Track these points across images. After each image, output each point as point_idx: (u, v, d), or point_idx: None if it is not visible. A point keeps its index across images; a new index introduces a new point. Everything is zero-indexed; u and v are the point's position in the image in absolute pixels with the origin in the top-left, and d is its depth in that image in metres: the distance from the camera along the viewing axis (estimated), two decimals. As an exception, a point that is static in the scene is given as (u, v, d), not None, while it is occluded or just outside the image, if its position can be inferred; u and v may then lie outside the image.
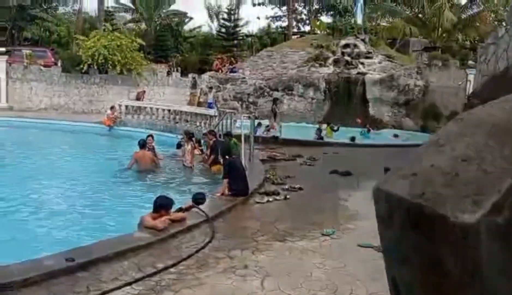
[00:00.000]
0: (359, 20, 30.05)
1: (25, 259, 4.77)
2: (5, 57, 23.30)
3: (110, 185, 9.56)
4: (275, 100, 23.01)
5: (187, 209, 6.78)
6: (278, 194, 8.60)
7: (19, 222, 7.11)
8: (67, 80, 24.36)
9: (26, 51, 26.15)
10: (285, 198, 8.38)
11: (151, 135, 12.16)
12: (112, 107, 19.46)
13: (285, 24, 42.10)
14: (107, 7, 32.46)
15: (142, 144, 11.23)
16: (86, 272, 4.68)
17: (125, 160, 11.70)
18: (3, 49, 24.10)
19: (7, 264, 4.50)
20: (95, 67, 23.80)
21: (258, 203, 7.97)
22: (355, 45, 26.62)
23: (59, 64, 25.46)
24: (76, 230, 6.74)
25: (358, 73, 25.61)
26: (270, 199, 8.16)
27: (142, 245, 5.34)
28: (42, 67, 24.52)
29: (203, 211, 6.63)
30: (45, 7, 34.81)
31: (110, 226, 6.86)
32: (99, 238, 6.07)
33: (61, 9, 37.36)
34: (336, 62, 26.25)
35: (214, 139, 12.10)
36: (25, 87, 23.81)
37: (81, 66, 23.54)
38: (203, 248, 5.49)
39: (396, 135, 20.88)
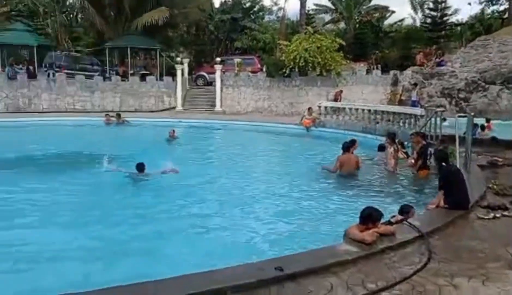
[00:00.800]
0: None
1: (233, 262, 4.85)
2: (221, 66, 26.00)
3: (312, 189, 9.47)
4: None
5: (397, 223, 6.12)
6: (506, 208, 7.17)
7: (227, 223, 7.43)
8: (270, 85, 25.88)
9: (236, 59, 28.80)
10: (517, 214, 6.94)
11: (355, 140, 11.66)
12: (309, 109, 19.81)
13: (503, 7, 36.71)
14: (308, 10, 33.38)
15: (347, 148, 10.87)
16: (293, 283, 4.50)
17: (325, 162, 11.56)
18: (219, 59, 26.98)
19: (220, 268, 4.62)
20: (296, 70, 24.64)
21: (481, 218, 6.75)
22: None
23: (264, 69, 27.25)
24: (280, 236, 6.74)
25: None
26: (497, 215, 6.84)
27: (349, 260, 4.94)
28: (250, 74, 26.61)
29: (416, 227, 5.87)
30: (253, 17, 37.90)
31: (314, 235, 6.65)
32: (303, 247, 5.92)
33: (266, 18, 40.18)
34: None
35: (424, 142, 10.93)
36: (235, 93, 26.17)
37: (284, 70, 24.67)
38: (419, 270, 4.78)
39: None
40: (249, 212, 7.97)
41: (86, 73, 27.46)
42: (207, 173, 11.08)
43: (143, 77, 26.89)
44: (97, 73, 27.76)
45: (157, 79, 26.85)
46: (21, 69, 26.02)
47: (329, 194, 9.21)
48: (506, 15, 34.43)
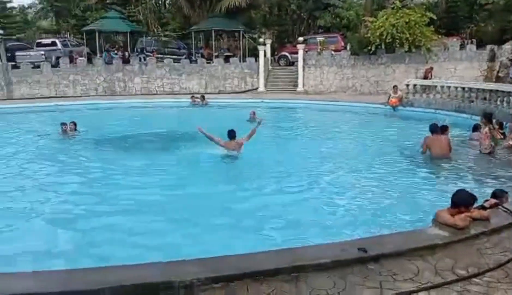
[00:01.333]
0: None
1: (316, 241, 4.89)
2: (303, 45, 25.75)
3: (400, 170, 9.18)
4: None
5: (491, 207, 5.75)
6: None
7: (313, 201, 7.51)
8: (355, 63, 25.18)
9: (319, 38, 28.33)
10: None
11: (446, 126, 10.92)
12: (394, 87, 19.00)
13: None
14: (396, -16, 31.69)
15: (434, 129, 10.31)
16: (378, 265, 4.44)
17: (413, 144, 11.11)
18: (301, 38, 26.72)
19: (303, 246, 4.68)
20: (383, 47, 23.69)
21: None
22: None
23: (348, 48, 26.54)
24: (365, 216, 6.66)
25: None
26: None
27: (439, 244, 4.75)
28: (333, 52, 26.07)
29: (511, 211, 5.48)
30: (337, -6, 36.88)
31: (400, 217, 6.48)
32: (389, 228, 5.80)
33: (351, -7, 38.86)
34: None
35: (523, 122, 10.12)
36: (318, 72, 25.84)
37: (369, 47, 23.83)
38: (516, 258, 4.48)
39: None
40: (333, 192, 7.96)
41: (174, 56, 28.70)
42: (290, 152, 11.17)
43: (226, 59, 27.48)
44: (184, 56, 28.89)
45: (240, 61, 27.28)
46: (116, 54, 27.86)
47: (417, 175, 8.87)
48: None
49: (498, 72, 23.22)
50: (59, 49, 28.31)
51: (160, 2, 38.65)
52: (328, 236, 5.42)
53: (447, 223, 5.09)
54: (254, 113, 16.21)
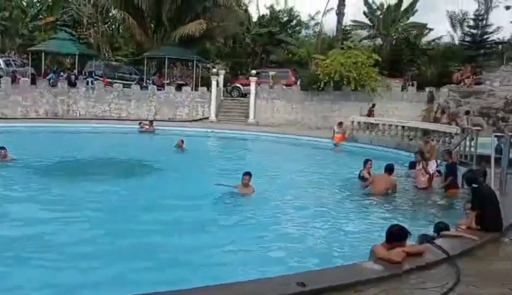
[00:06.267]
0: None
1: (255, 275, 4.85)
2: (255, 78, 26.27)
3: (339, 205, 9.37)
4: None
5: (424, 242, 6.01)
6: (543, 234, 6.90)
7: (250, 234, 7.41)
8: (304, 98, 25.92)
9: (271, 72, 29.01)
10: (554, 240, 6.65)
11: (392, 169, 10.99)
12: (339, 123, 19.62)
13: (547, 26, 35.49)
14: (344, 26, 33.29)
15: (389, 169, 10.52)
16: (315, 299, 4.46)
17: (353, 178, 11.43)
18: (254, 71, 27.25)
19: (242, 281, 4.63)
20: (331, 84, 24.57)
21: (515, 243, 6.52)
22: None
23: (298, 83, 27.31)
24: (303, 249, 6.70)
25: None
26: (533, 240, 6.59)
27: (374, 279, 4.86)
28: (284, 87, 26.73)
29: (443, 248, 5.72)
30: (290, 31, 38.17)
31: (338, 250, 6.60)
32: (327, 262, 5.87)
33: (303, 32, 40.35)
34: None
35: (451, 160, 10.82)
36: (269, 105, 26.34)
37: (318, 84, 24.64)
38: (446, 293, 4.65)
39: None
40: (275, 224, 7.96)
41: (124, 82, 28.28)
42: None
43: (179, 87, 27.42)
44: (134, 82, 28.53)
45: (192, 90, 27.31)
46: (61, 76, 27.05)
47: (358, 210, 9.11)
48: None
49: (435, 113, 24.61)
50: (1, 68, 27.19)
51: (113, 26, 38.28)
52: (267, 270, 5.39)
53: (382, 257, 5.22)
54: (182, 141, 16.02)
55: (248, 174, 9.58)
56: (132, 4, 28.86)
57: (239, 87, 29.89)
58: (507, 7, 35.94)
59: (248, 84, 26.73)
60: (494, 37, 35.06)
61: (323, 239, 7.19)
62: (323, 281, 4.68)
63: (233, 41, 38.15)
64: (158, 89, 26.81)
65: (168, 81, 29.05)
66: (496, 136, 11.07)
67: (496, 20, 37.70)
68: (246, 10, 37.62)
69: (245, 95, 28.26)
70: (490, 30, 34.42)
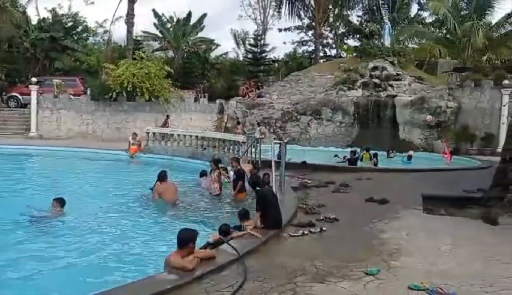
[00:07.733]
0: (387, 43, 29.53)
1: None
2: (37, 87, 23.77)
3: (133, 218, 9.11)
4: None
5: (216, 244, 6.32)
6: (313, 225, 8.03)
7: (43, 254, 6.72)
8: (95, 108, 24.62)
9: (56, 80, 26.65)
10: (321, 231, 7.79)
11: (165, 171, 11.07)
12: (134, 134, 19.32)
13: (311, 48, 41.93)
14: (136, 36, 32.90)
15: (163, 177, 10.60)
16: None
17: (147, 189, 11.34)
18: (35, 79, 24.61)
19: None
20: (124, 95, 23.95)
21: (292, 236, 7.41)
22: (384, 68, 26.13)
23: (88, 92, 25.78)
24: (99, 266, 6.33)
25: (388, 95, 25.12)
26: (305, 232, 7.59)
27: (169, 289, 4.87)
28: (71, 96, 24.89)
29: (234, 247, 6.12)
30: (76, 38, 35.74)
31: (132, 266, 6.41)
32: (123, 277, 5.66)
33: (91, 40, 38.28)
34: (364, 85, 25.78)
35: (238, 167, 11.77)
36: (54, 116, 24.23)
37: (110, 94, 23.72)
38: (236, 292, 4.97)
39: (410, 157, 20.39)
40: (67, 244, 7.32)
41: None
42: (15, 204, 9.78)
43: None
44: None
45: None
46: None
47: (151, 222, 9.04)
48: (314, 55, 39.57)
49: (226, 123, 26.45)
50: None
51: None
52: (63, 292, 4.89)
53: (177, 266, 5.28)
54: None
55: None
56: None
57: (17, 97, 26.60)
58: (280, 30, 41.41)
59: (29, 94, 24.02)
60: (271, 55, 39.64)
61: (118, 256, 6.88)
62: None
63: (9, 45, 33.74)
64: None
65: None
66: (275, 143, 12.42)
67: (272, 40, 42.80)
68: (24, 12, 33.76)
69: (26, 105, 25.30)
70: (267, 49, 38.74)
